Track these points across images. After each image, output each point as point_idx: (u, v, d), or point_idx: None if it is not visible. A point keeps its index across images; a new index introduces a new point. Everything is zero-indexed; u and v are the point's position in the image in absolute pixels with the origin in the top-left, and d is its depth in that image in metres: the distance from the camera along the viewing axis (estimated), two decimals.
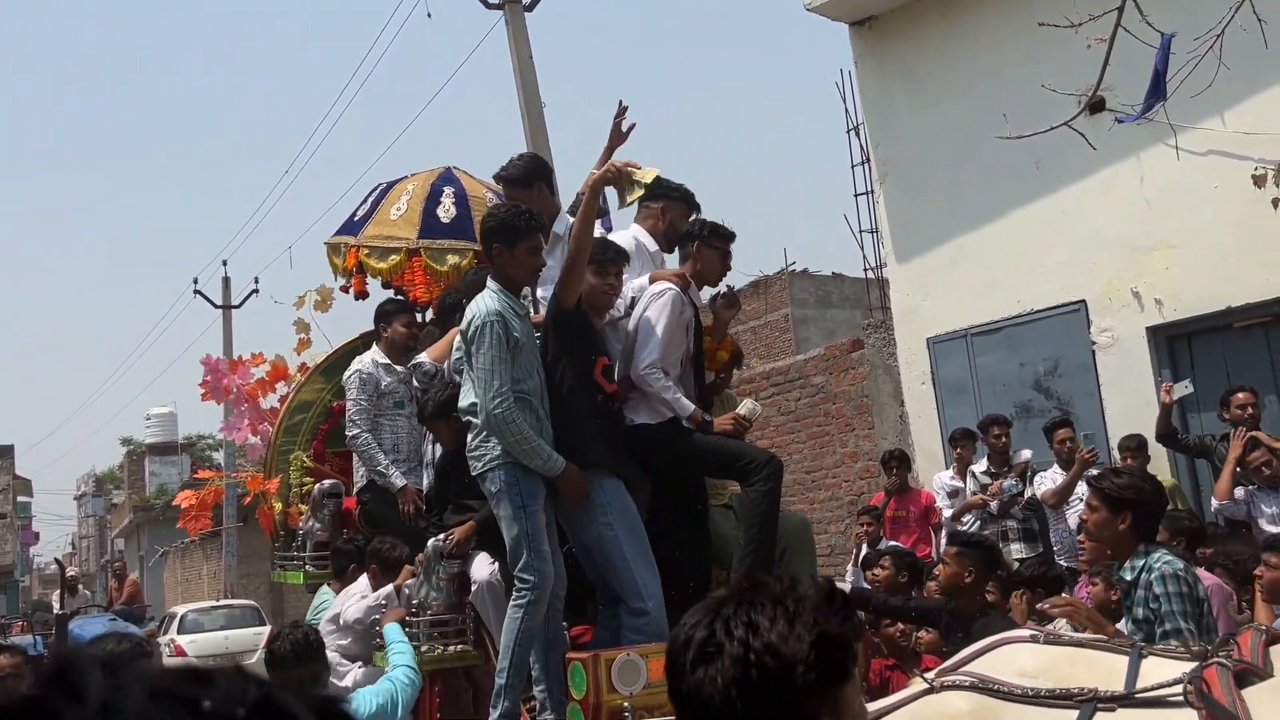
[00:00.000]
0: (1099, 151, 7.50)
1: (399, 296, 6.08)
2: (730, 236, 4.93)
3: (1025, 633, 3.18)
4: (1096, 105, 7.36)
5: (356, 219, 6.24)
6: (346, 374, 5.85)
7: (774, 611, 1.29)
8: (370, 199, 6.33)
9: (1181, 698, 2.48)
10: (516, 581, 4.27)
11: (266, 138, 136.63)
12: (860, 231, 11.62)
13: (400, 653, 4.28)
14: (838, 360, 11.07)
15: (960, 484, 8.36)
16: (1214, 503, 6.62)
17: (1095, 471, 7.71)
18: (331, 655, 5.05)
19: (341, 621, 5.21)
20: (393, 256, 5.95)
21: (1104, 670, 2.79)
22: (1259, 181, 6.74)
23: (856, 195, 11.54)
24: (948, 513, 8.37)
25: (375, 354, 5.82)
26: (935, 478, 8.80)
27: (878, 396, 10.53)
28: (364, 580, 5.32)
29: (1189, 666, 2.64)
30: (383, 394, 5.79)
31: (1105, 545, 3.88)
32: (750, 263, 37.34)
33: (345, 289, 6.49)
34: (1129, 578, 3.60)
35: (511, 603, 4.29)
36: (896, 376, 10.24)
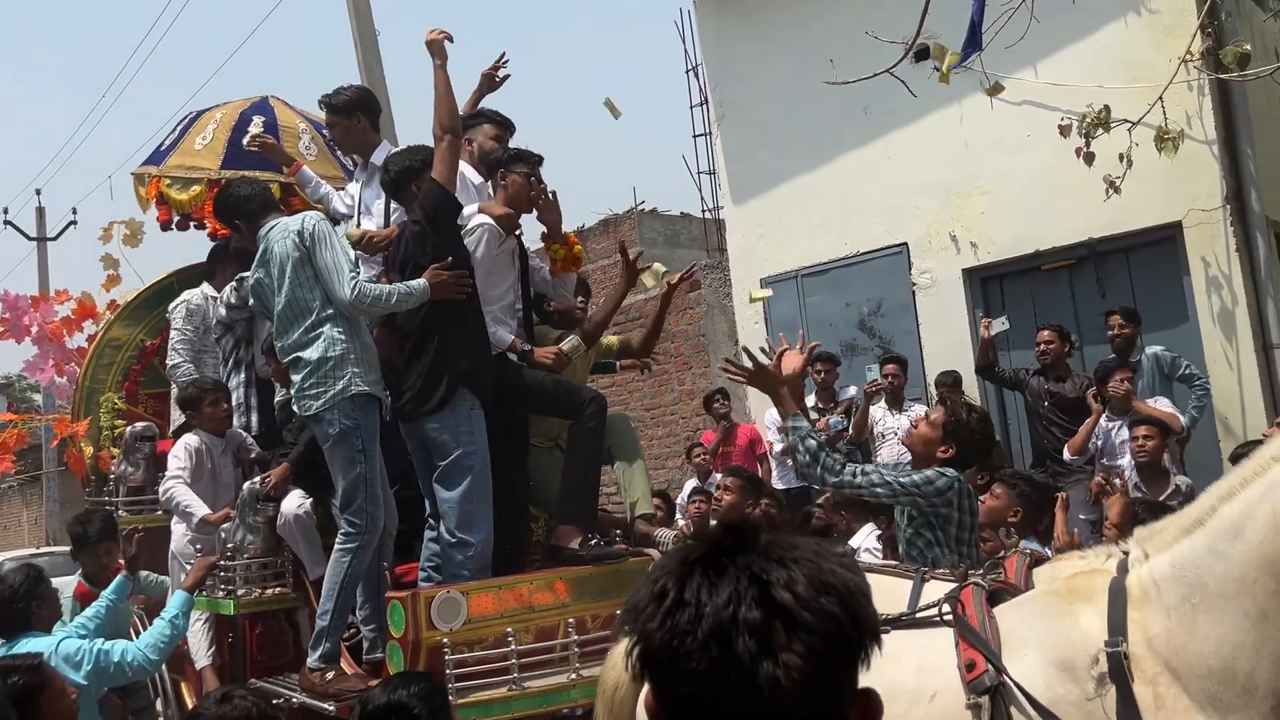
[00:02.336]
0: (922, 99, 7.77)
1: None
2: (533, 158, 4.80)
3: None
4: (922, 53, 7.60)
5: (163, 148, 5.96)
6: (173, 304, 5.66)
7: (818, 563, 1.00)
8: (178, 128, 6.05)
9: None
10: (346, 524, 4.23)
11: (85, 56, 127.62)
12: (699, 173, 11.74)
13: (160, 632, 4.19)
14: (676, 300, 11.21)
15: None
16: (1067, 454, 6.95)
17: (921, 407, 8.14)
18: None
19: (164, 495, 5.17)
20: (194, 187, 5.73)
21: (890, 595, 2.95)
22: (1064, 132, 7.07)
23: (695, 136, 11.65)
24: (778, 447, 8.66)
25: (207, 288, 5.63)
26: (766, 414, 9.09)
27: (714, 335, 10.75)
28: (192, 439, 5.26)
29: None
30: (210, 328, 5.63)
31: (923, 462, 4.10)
32: (600, 201, 37.18)
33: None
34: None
35: (339, 545, 4.25)
36: (732, 316, 10.46)
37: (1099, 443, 6.81)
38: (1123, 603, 2.31)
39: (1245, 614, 2.16)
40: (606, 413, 4.65)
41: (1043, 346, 7.30)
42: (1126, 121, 6.94)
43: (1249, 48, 6.65)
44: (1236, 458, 4.58)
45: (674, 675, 0.97)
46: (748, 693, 0.93)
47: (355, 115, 5.02)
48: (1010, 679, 2.36)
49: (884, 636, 2.69)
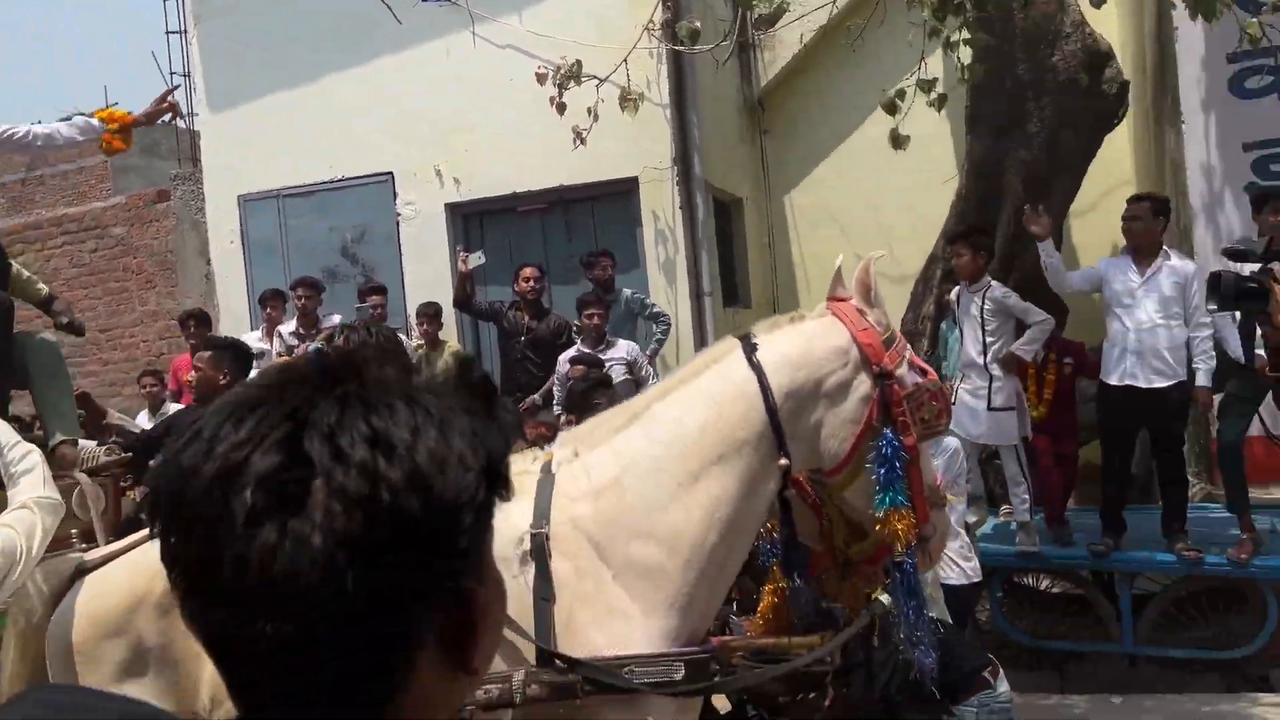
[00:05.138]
0: (412, 30, 7.80)
1: None
2: None
3: None
4: None
5: None
6: None
7: (411, 413, 0.75)
8: None
9: None
10: None
11: None
12: (171, 74, 10.77)
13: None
14: (141, 211, 10.27)
15: (267, 346, 8.35)
16: None
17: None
18: None
19: None
20: None
21: None
22: (541, 80, 7.49)
23: (169, 32, 10.65)
24: (253, 374, 8.33)
25: None
26: (243, 339, 8.68)
27: (183, 252, 10.01)
28: None
29: None
30: None
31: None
32: (65, 99, 32.68)
33: None
34: None
35: None
36: (204, 232, 9.80)
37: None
38: (549, 493, 2.59)
39: (679, 482, 2.53)
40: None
41: (534, 284, 7.75)
42: (595, 78, 7.51)
43: (699, 25, 7.49)
44: None
45: (171, 527, 0.75)
46: (237, 566, 0.71)
47: None
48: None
49: None
